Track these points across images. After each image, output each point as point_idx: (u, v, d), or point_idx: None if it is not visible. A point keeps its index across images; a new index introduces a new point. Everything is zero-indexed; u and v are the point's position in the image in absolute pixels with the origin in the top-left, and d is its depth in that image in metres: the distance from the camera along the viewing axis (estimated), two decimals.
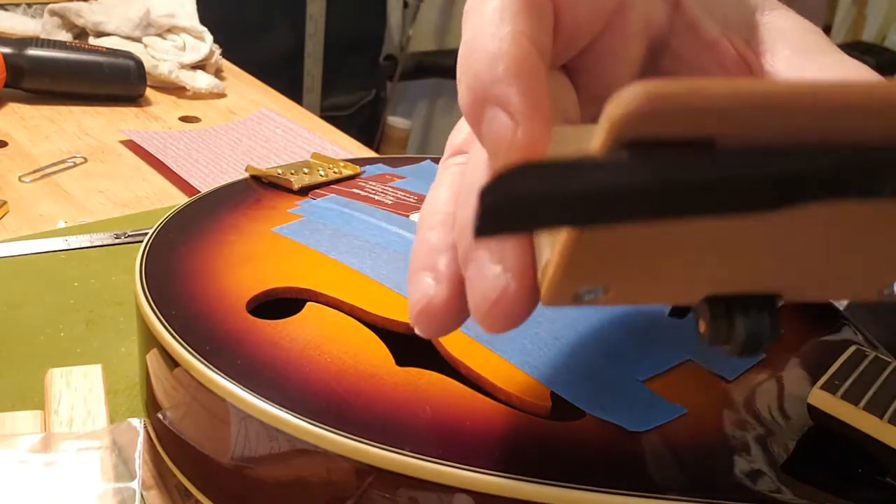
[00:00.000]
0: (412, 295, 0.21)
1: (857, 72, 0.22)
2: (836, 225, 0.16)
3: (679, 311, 0.20)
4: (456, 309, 0.21)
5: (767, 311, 0.18)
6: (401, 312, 0.31)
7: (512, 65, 0.18)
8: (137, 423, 0.31)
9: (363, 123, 1.91)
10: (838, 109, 0.14)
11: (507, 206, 0.15)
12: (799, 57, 0.23)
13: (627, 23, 0.23)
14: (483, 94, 0.18)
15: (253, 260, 0.34)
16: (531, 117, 0.18)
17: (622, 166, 0.14)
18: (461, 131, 0.24)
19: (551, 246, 0.18)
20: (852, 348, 0.29)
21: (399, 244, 0.36)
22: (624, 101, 0.14)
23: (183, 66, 0.78)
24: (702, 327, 0.19)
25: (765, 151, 0.15)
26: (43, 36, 0.78)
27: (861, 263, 0.18)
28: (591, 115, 0.25)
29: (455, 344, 0.29)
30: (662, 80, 0.14)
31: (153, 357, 0.30)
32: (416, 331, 0.21)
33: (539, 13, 0.20)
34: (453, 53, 0.28)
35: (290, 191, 0.42)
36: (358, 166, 0.46)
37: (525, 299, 0.19)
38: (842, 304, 0.37)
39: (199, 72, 0.79)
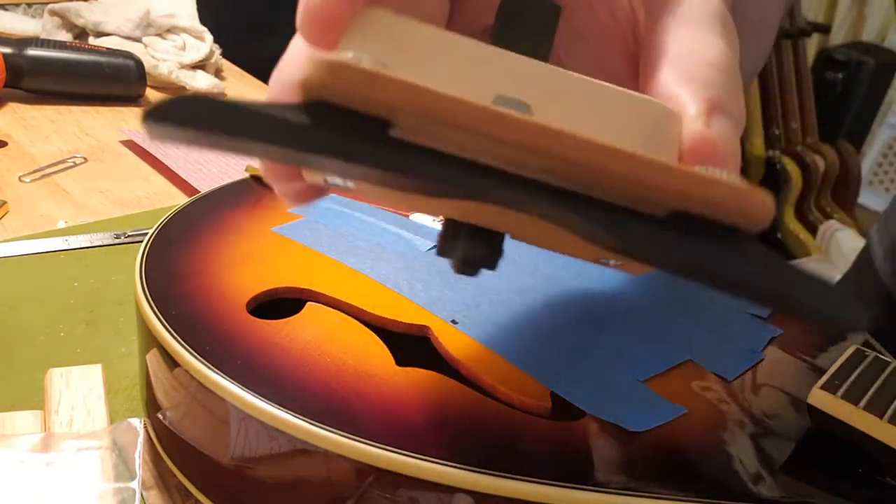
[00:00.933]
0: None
1: (711, 53, 0.22)
2: (512, 215, 0.18)
3: (443, 250, 0.22)
4: (329, 5, 0.21)
5: (488, 243, 0.21)
6: (401, 312, 0.31)
7: None
8: (137, 423, 0.31)
9: None
10: (494, 137, 0.17)
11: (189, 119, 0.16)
12: (677, 23, 0.23)
13: None
14: None
15: (253, 260, 0.34)
16: None
17: (297, 118, 0.16)
18: None
19: None
20: (852, 348, 0.29)
21: (399, 244, 0.36)
22: (313, 64, 0.17)
23: (183, 66, 0.78)
24: (438, 240, 0.22)
25: (428, 150, 0.17)
26: (43, 36, 0.78)
27: (560, 239, 0.21)
28: (476, 29, 0.25)
29: (455, 344, 0.29)
30: (352, 61, 0.16)
31: (153, 357, 0.30)
32: (305, 38, 0.21)
33: None
34: None
35: None
36: None
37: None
38: None
39: (199, 72, 0.79)
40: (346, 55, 0.17)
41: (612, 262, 0.22)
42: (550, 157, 0.17)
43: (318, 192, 0.23)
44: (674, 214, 0.18)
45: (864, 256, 0.54)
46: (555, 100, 0.20)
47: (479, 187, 0.17)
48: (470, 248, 0.20)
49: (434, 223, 0.39)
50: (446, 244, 0.21)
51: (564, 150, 0.17)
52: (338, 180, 0.21)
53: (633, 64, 0.25)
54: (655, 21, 0.23)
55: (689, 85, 0.21)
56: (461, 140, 0.17)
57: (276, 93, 0.22)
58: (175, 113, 0.15)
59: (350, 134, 0.17)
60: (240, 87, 0.83)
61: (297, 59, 0.22)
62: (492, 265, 0.21)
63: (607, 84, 0.21)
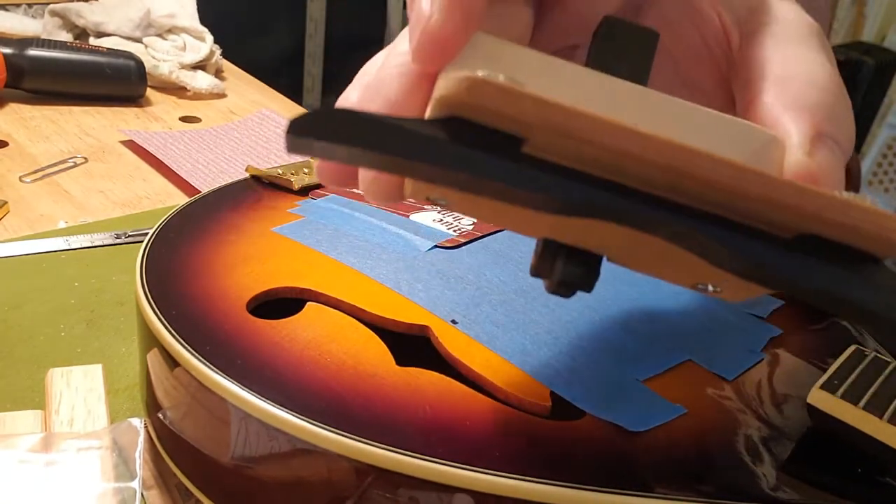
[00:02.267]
0: (412, 21, 0.21)
1: (819, 74, 0.21)
2: (627, 235, 0.18)
3: (538, 270, 0.22)
4: (450, 28, 0.21)
5: (587, 265, 0.21)
6: (401, 312, 0.31)
7: None
8: (138, 422, 0.31)
9: None
10: (629, 155, 0.17)
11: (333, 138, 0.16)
12: (778, 44, 0.22)
13: None
14: None
15: (253, 260, 0.34)
16: (448, 7, 0.19)
17: (435, 134, 0.17)
18: None
19: None
20: (852, 348, 0.29)
21: (399, 244, 0.36)
22: (449, 82, 0.17)
23: (183, 67, 0.78)
24: (533, 259, 0.21)
25: (561, 168, 0.17)
26: (44, 36, 0.78)
27: (666, 263, 0.21)
28: (557, 48, 0.25)
29: (455, 344, 0.29)
30: (490, 77, 0.16)
31: (153, 357, 0.30)
32: (417, 60, 0.21)
33: None
34: None
35: (290, 191, 0.42)
36: None
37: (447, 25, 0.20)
38: None
39: (200, 72, 0.79)
40: (479, 73, 0.17)
41: (710, 287, 0.22)
42: (685, 177, 0.17)
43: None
44: (802, 237, 0.17)
45: None
46: (661, 124, 0.20)
47: (613, 206, 0.17)
48: (568, 270, 0.20)
49: (434, 223, 0.39)
50: (542, 265, 0.21)
51: (702, 170, 0.17)
52: (441, 199, 0.21)
53: (723, 86, 0.24)
54: (751, 41, 0.23)
55: (793, 110, 0.21)
56: (593, 157, 0.17)
57: (364, 102, 0.22)
58: (317, 126, 0.16)
59: (486, 150, 0.17)
60: (240, 87, 0.83)
61: (392, 73, 0.21)
62: (589, 287, 0.20)
63: (710, 110, 0.20)
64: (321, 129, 0.16)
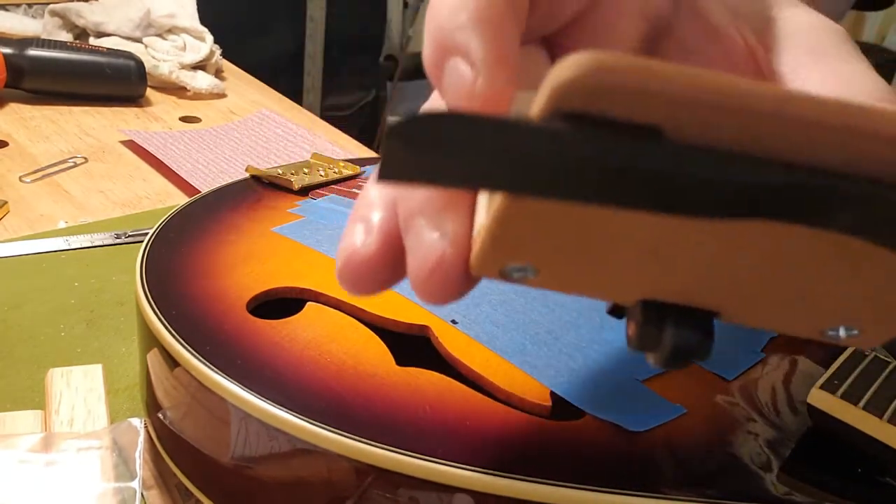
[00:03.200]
0: (340, 244, 0.20)
1: (864, 84, 0.20)
2: (782, 251, 0.16)
3: (618, 311, 0.19)
4: (382, 266, 0.19)
5: (701, 327, 0.17)
6: (401, 312, 0.31)
7: (475, 12, 0.17)
8: (138, 422, 0.31)
9: (363, 124, 1.91)
10: (805, 126, 0.13)
11: (417, 151, 0.13)
12: (807, 57, 0.21)
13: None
14: (444, 44, 0.17)
15: (253, 260, 0.34)
16: (493, 66, 0.17)
17: (555, 137, 0.13)
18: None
19: (487, 212, 0.16)
20: (852, 348, 0.29)
21: None
22: (569, 67, 0.13)
23: (183, 67, 0.78)
24: (631, 329, 0.18)
25: (714, 153, 0.13)
26: (44, 36, 0.78)
27: (804, 298, 0.17)
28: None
29: (455, 343, 0.29)
30: (616, 53, 0.13)
31: (153, 357, 0.30)
32: (341, 284, 0.20)
33: None
34: None
35: (290, 191, 0.42)
36: (358, 166, 0.46)
37: (462, 268, 0.18)
38: None
39: (200, 72, 0.79)
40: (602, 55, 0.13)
41: (843, 333, 0.18)
42: (864, 152, 0.13)
43: (470, 284, 0.19)
44: None
45: None
46: None
47: (787, 190, 0.13)
48: (682, 336, 0.17)
49: None
50: (646, 336, 0.17)
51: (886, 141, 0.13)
52: (522, 267, 0.17)
53: None
54: (781, 57, 0.21)
55: None
56: (749, 137, 0.13)
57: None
58: (428, 133, 0.13)
59: (629, 139, 0.13)
60: (240, 87, 0.83)
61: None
62: (707, 355, 0.17)
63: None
64: (432, 136, 0.13)
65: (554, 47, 0.22)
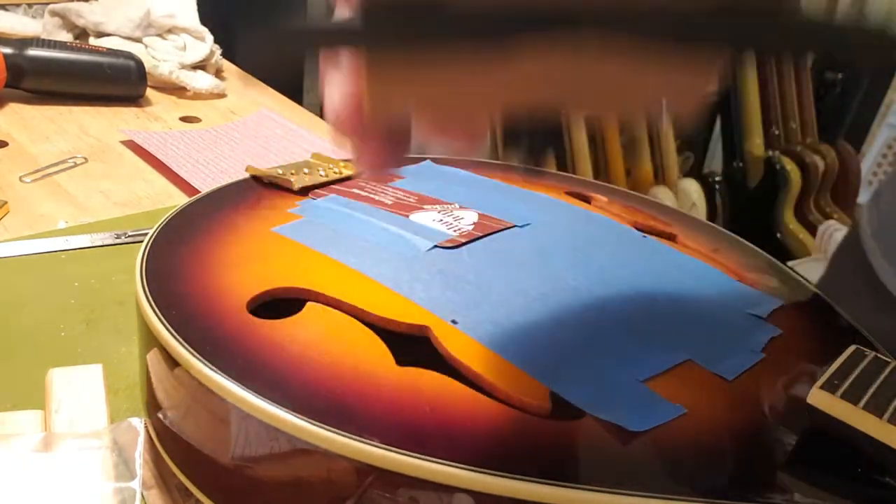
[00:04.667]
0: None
1: None
2: (572, 62, 0.19)
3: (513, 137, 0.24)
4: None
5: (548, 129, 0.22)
6: (401, 312, 0.31)
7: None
8: (138, 422, 0.31)
9: None
10: None
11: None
12: None
13: None
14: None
15: (253, 260, 0.34)
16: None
17: (360, 20, 0.19)
18: None
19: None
20: (852, 348, 0.29)
21: (399, 244, 0.36)
22: None
23: (183, 67, 0.78)
24: (502, 143, 0.23)
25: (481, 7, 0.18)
26: (44, 36, 0.78)
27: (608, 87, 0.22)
28: None
29: (455, 344, 0.29)
30: None
31: (153, 357, 0.30)
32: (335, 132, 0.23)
33: None
34: None
35: (290, 191, 0.42)
36: None
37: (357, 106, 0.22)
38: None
39: (200, 72, 0.79)
40: None
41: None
42: None
43: (396, 150, 0.24)
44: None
45: (852, 235, 0.55)
46: None
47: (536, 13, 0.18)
48: (534, 138, 0.22)
49: (434, 223, 0.39)
50: (510, 144, 0.23)
51: None
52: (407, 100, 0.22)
53: None
54: None
55: None
56: None
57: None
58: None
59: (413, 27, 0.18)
60: (240, 87, 0.83)
61: None
62: (555, 140, 0.23)
63: None
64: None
65: None
